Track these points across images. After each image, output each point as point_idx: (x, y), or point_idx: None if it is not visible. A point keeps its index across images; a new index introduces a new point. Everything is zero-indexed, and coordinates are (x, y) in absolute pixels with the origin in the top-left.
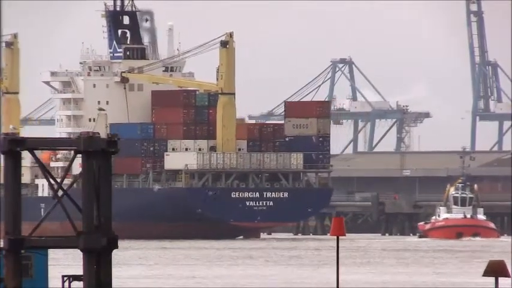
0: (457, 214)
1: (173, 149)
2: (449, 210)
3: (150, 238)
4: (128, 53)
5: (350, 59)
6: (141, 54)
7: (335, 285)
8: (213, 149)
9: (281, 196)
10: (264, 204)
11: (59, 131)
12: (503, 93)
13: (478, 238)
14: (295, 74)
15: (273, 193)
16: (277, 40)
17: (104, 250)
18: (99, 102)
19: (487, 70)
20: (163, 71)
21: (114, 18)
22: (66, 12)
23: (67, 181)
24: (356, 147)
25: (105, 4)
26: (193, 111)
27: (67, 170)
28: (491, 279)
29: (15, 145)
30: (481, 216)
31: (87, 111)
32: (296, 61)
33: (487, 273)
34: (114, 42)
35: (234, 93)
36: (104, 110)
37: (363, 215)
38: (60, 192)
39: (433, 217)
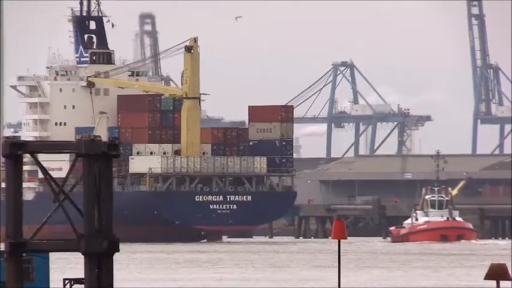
0: (436, 217)
1: (138, 153)
2: (426, 214)
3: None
4: (94, 58)
5: (351, 62)
6: (107, 59)
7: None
8: (177, 152)
9: (245, 200)
10: (228, 207)
11: (26, 135)
12: (504, 97)
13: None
14: (296, 77)
15: (237, 196)
16: (277, 43)
17: (105, 253)
18: (65, 106)
19: (489, 73)
20: (129, 75)
21: (80, 23)
22: (33, 17)
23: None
24: (357, 151)
25: (71, 9)
26: (159, 115)
27: (68, 173)
28: (493, 283)
29: (16, 148)
30: (458, 218)
31: (53, 115)
32: (297, 64)
33: (488, 276)
34: (81, 47)
35: (198, 98)
36: (105, 112)
37: (364, 218)
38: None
39: (407, 221)
